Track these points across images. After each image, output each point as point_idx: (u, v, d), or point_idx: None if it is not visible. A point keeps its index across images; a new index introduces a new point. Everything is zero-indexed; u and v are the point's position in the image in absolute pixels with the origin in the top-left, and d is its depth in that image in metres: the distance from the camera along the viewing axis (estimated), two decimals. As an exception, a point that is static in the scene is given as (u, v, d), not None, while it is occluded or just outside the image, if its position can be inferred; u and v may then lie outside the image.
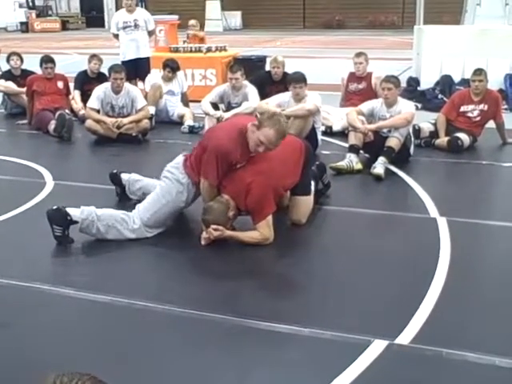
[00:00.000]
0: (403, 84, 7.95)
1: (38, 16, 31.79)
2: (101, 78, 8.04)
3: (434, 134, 6.77)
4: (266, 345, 2.99)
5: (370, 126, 5.93)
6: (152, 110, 7.72)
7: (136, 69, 8.93)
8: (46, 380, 1.51)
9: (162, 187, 4.33)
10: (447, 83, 9.35)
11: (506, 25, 12.00)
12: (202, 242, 4.12)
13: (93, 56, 8.45)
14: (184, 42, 11.03)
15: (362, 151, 6.03)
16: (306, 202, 4.56)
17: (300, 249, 4.25)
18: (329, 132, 7.23)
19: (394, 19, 28.12)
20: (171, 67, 8.15)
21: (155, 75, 8.58)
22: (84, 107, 7.78)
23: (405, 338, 2.98)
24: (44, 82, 7.95)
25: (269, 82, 7.63)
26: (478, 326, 3.15)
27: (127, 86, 7.33)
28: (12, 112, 8.76)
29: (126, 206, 4.68)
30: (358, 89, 7.80)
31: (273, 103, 6.35)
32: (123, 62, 8.70)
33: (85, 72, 8.48)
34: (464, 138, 6.55)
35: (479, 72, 6.73)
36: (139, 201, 4.55)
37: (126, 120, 7.11)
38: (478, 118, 6.72)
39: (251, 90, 7.28)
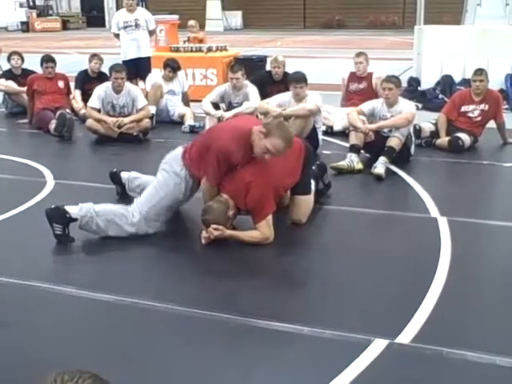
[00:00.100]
0: (404, 84, 7.95)
1: (38, 15, 31.79)
2: (101, 78, 8.04)
3: (435, 134, 6.77)
4: (267, 344, 2.99)
5: (370, 125, 5.93)
6: (153, 109, 7.73)
7: (137, 68, 8.93)
8: (47, 378, 1.51)
9: (160, 180, 4.33)
10: (448, 83, 9.35)
11: (507, 25, 11.99)
12: (203, 242, 4.12)
13: (93, 55, 8.45)
14: (184, 42, 11.04)
15: (362, 151, 6.03)
16: (307, 202, 4.56)
17: (300, 248, 4.26)
18: (329, 132, 7.23)
19: (394, 19, 28.10)
20: (172, 67, 8.15)
21: (156, 75, 8.58)
22: (85, 107, 7.79)
23: (405, 337, 2.98)
24: (45, 82, 7.95)
25: (269, 82, 7.63)
26: (478, 326, 3.15)
27: (128, 85, 7.34)
28: (13, 111, 8.76)
29: (126, 204, 4.67)
30: (358, 89, 7.81)
31: (273, 103, 6.36)
32: (124, 62, 8.70)
33: (85, 71, 8.48)
34: (465, 137, 6.55)
35: (480, 72, 6.73)
36: None
37: (126, 119, 7.11)
38: (479, 118, 6.72)
39: (252, 90, 7.28)
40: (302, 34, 25.79)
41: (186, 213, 4.70)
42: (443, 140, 6.64)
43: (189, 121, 7.73)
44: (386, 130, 5.98)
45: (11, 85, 8.65)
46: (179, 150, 4.41)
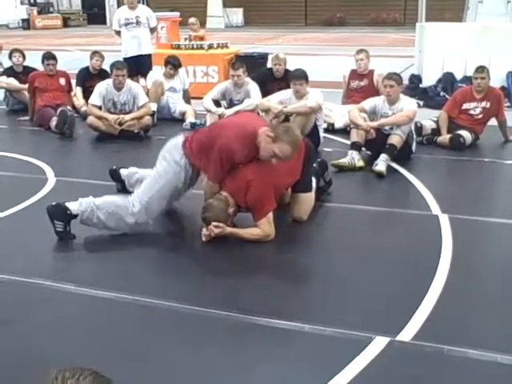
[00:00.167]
0: (405, 81, 7.94)
1: (39, 13, 31.79)
2: (102, 75, 8.03)
3: (436, 132, 6.77)
4: (268, 341, 2.99)
5: (371, 123, 5.93)
6: (154, 106, 7.73)
7: (138, 65, 8.93)
8: (48, 376, 1.52)
9: (159, 170, 4.32)
10: (449, 80, 9.34)
11: (508, 22, 11.96)
12: (203, 239, 4.12)
13: (94, 53, 8.44)
14: (185, 39, 11.03)
15: (363, 148, 6.03)
16: (308, 199, 4.56)
17: (301, 246, 4.25)
18: (331, 129, 7.23)
19: (395, 16, 28.08)
20: (173, 64, 8.14)
21: (157, 72, 8.57)
22: (86, 104, 7.79)
23: (406, 334, 2.98)
24: (46, 79, 7.95)
25: (270, 79, 7.62)
26: (479, 323, 3.15)
27: (129, 82, 7.34)
28: (14, 108, 8.77)
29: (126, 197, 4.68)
30: (359, 86, 7.80)
31: (274, 100, 6.35)
32: (125, 59, 8.70)
33: (86, 69, 8.48)
34: (466, 135, 6.55)
35: (481, 69, 6.72)
36: None
37: (127, 117, 7.12)
38: (480, 116, 6.71)
39: (253, 87, 7.28)
40: (303, 31, 25.78)
41: (186, 211, 4.70)
42: (444, 137, 6.64)
43: (190, 118, 7.73)
44: (387, 128, 5.98)
45: (12, 82, 8.65)
46: (180, 139, 4.40)
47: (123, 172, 5.00)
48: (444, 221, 4.47)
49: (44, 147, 7.00)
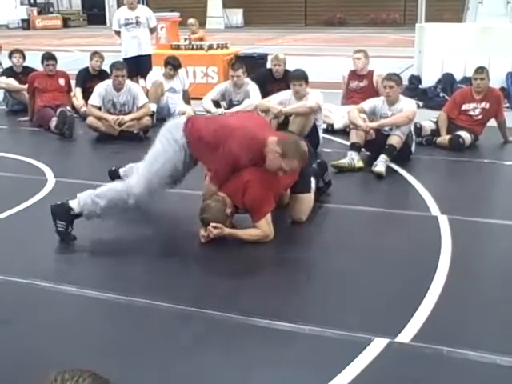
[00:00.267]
0: (405, 82, 7.94)
1: (39, 13, 31.79)
2: (102, 76, 8.03)
3: (436, 132, 6.77)
4: (267, 343, 2.99)
5: (371, 123, 5.93)
6: (153, 107, 7.72)
7: (137, 66, 8.92)
8: (47, 377, 1.51)
9: (158, 148, 4.28)
10: (449, 81, 9.34)
11: (508, 23, 11.97)
12: (202, 240, 4.12)
13: (94, 53, 8.44)
14: (185, 39, 11.03)
15: (363, 149, 6.03)
16: (307, 200, 4.56)
17: (301, 246, 4.25)
18: (330, 130, 7.23)
19: (395, 17, 28.08)
20: (173, 65, 8.14)
21: (157, 72, 8.57)
22: (85, 104, 7.78)
23: (405, 336, 2.98)
24: (45, 79, 7.95)
25: (270, 80, 7.62)
26: (478, 325, 3.15)
27: (129, 83, 7.34)
28: (13, 109, 8.76)
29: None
30: (359, 87, 7.80)
31: (274, 101, 6.35)
32: (125, 60, 8.70)
33: (86, 69, 8.47)
34: (465, 136, 6.55)
35: (481, 70, 6.72)
36: None
37: (127, 117, 7.12)
38: (480, 117, 6.72)
39: (253, 88, 7.28)
40: (303, 31, 25.78)
41: (184, 212, 4.69)
42: (444, 138, 6.64)
43: (189, 119, 7.72)
44: (386, 128, 5.98)
45: (12, 82, 8.65)
46: (182, 119, 4.39)
47: (121, 171, 4.99)
48: (443, 222, 4.47)
49: (43, 148, 7.00)
